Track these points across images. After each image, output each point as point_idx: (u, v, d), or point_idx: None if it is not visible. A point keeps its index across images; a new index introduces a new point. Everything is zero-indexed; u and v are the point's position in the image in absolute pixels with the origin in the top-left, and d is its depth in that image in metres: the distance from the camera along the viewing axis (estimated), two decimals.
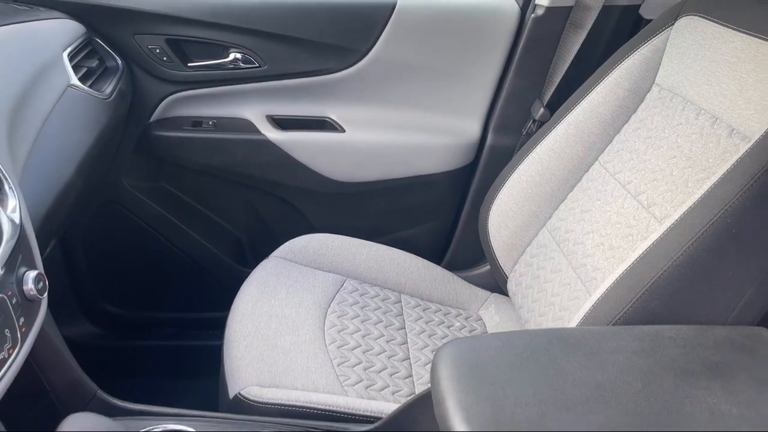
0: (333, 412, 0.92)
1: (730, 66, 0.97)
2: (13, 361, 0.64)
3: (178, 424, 0.83)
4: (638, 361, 0.72)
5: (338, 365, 1.05)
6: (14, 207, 0.72)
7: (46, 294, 0.71)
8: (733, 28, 0.99)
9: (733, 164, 0.82)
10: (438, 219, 1.51)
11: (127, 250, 1.47)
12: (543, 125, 1.27)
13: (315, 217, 1.47)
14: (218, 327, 1.17)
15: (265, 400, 0.92)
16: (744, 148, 0.82)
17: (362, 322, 1.18)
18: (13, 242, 0.68)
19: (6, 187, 0.72)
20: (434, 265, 1.37)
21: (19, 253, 0.69)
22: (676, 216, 0.86)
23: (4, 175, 0.73)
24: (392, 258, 1.35)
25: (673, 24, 1.12)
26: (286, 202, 1.46)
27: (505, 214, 1.28)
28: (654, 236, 0.86)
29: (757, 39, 0.94)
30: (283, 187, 1.43)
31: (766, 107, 0.86)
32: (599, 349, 0.74)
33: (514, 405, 0.65)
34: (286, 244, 1.30)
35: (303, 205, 1.46)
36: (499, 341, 0.75)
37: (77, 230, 1.40)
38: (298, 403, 0.92)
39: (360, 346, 1.12)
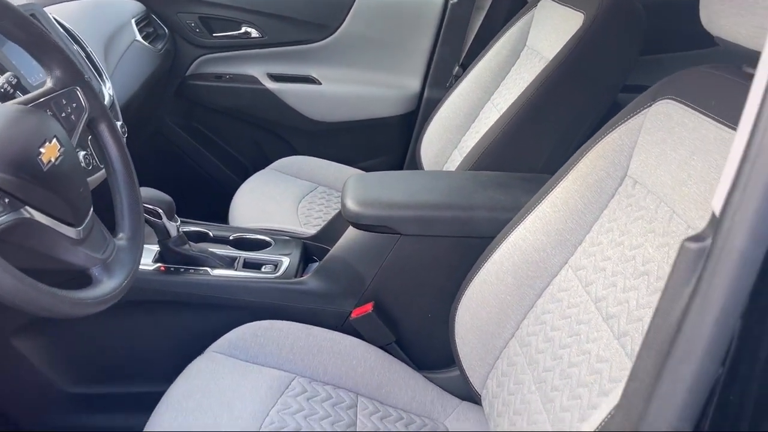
0: None
1: (556, 27, 1.45)
2: None
3: (196, 227, 1.31)
4: (459, 179, 1.20)
5: None
6: (109, 87, 1.23)
7: (125, 136, 1.22)
8: (563, 3, 1.48)
9: (535, 77, 1.31)
10: (391, 153, 2.00)
11: (166, 168, 1.99)
12: (457, 79, 1.76)
13: (299, 147, 1.98)
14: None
15: None
16: (538, 67, 1.31)
17: None
18: (109, 102, 1.20)
19: (105, 76, 1.24)
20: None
21: (113, 110, 1.21)
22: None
23: (103, 70, 1.25)
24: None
25: (536, 5, 1.61)
26: (278, 135, 1.98)
27: (431, 141, 1.76)
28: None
29: (555, 3, 1.43)
30: (276, 123, 1.95)
31: (557, 46, 1.33)
32: (441, 176, 1.23)
33: (379, 192, 1.14)
34: (275, 163, 1.79)
35: (290, 138, 1.98)
36: (384, 174, 1.24)
37: (132, 152, 1.92)
38: None
39: None
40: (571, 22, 1.35)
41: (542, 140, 1.29)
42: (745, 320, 0.40)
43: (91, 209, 0.78)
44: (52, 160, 0.70)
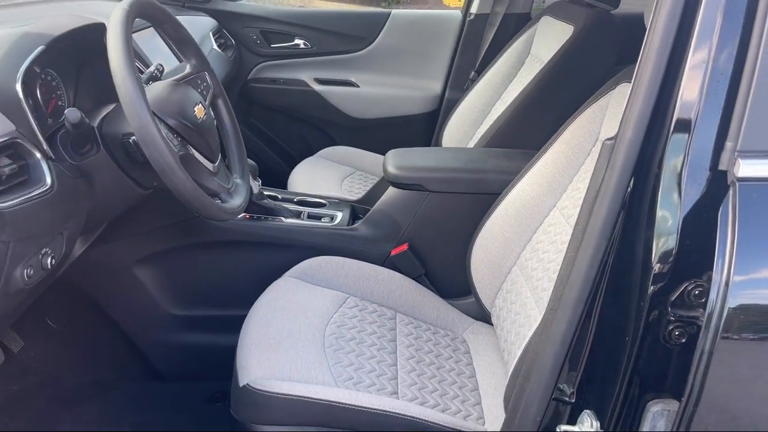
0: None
1: (553, 38, 1.75)
2: None
3: (268, 191, 1.63)
4: (475, 152, 1.51)
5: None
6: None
7: None
8: (559, 19, 1.79)
9: (531, 78, 1.62)
10: (417, 144, 2.28)
11: None
12: (473, 83, 2.07)
13: (339, 139, 2.30)
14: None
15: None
16: (538, 69, 1.62)
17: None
18: None
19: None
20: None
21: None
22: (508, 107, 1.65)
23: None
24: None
25: (539, 21, 1.92)
26: (321, 130, 2.31)
27: (451, 134, 2.05)
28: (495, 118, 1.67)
29: (554, 19, 1.74)
30: (321, 120, 2.29)
31: (552, 52, 1.64)
32: (461, 150, 1.54)
33: (413, 160, 1.45)
34: (320, 151, 2.11)
35: (332, 132, 2.31)
36: (416, 148, 1.55)
37: None
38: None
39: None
40: (564, 32, 1.66)
41: (539, 125, 1.59)
42: (635, 182, 0.70)
43: (220, 153, 1.10)
44: (202, 117, 1.03)
